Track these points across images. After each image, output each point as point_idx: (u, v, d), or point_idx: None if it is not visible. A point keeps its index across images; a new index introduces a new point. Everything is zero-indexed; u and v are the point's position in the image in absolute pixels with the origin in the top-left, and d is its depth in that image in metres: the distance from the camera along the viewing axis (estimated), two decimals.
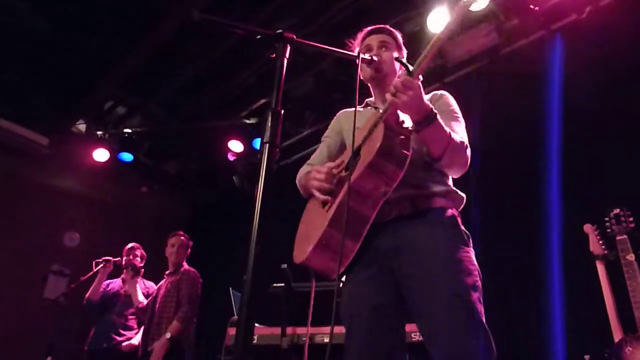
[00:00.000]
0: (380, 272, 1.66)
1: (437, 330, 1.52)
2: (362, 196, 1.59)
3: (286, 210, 2.20)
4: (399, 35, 2.01)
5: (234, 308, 3.42)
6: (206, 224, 6.54)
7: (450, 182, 1.82)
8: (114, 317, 4.29)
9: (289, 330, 2.96)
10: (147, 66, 4.80)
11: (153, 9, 4.29)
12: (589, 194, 3.21)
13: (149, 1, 4.33)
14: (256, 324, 2.90)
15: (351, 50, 1.94)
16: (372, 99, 2.02)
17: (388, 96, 1.55)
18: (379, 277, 1.65)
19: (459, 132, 1.75)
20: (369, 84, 2.00)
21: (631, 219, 2.71)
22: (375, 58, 1.82)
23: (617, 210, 2.75)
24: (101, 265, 4.40)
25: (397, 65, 1.91)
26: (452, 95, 1.92)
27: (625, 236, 2.67)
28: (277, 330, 2.97)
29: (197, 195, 7.18)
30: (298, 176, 2.00)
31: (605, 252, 2.76)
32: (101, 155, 5.69)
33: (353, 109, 1.73)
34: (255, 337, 2.97)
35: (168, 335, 3.71)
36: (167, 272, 4.21)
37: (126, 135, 5.79)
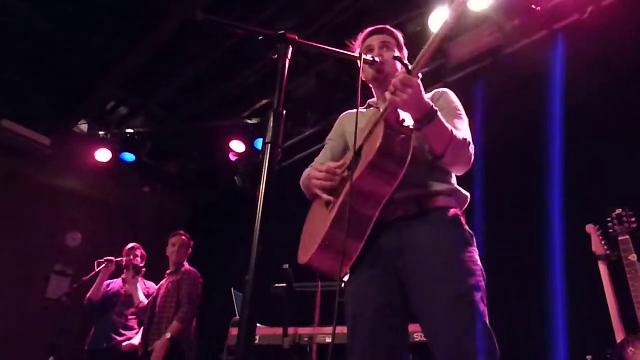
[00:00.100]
0: (384, 272, 1.65)
1: (439, 331, 1.52)
2: (364, 196, 1.59)
3: (288, 210, 2.21)
4: (400, 36, 2.00)
5: (236, 308, 3.42)
6: (206, 224, 6.53)
7: (454, 180, 1.80)
8: (114, 317, 4.29)
9: (290, 330, 2.97)
10: (147, 66, 4.80)
11: (153, 9, 4.29)
12: (591, 194, 3.20)
13: (149, 1, 4.32)
14: (258, 325, 2.90)
15: (352, 51, 1.93)
16: (374, 99, 2.01)
17: (388, 95, 1.54)
18: (382, 277, 1.65)
19: (462, 129, 1.73)
20: (371, 85, 1.99)
21: (633, 219, 2.70)
22: (377, 59, 1.82)
23: (619, 211, 2.75)
24: (103, 265, 4.40)
25: (398, 65, 1.91)
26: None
27: (627, 236, 2.67)
28: (279, 331, 2.97)
29: (197, 195, 7.17)
30: (302, 178, 1.99)
31: (608, 252, 2.76)
32: (103, 155, 5.70)
33: (355, 110, 1.72)
34: (257, 338, 2.97)
35: (168, 335, 3.70)
36: (168, 271, 4.20)
37: (128, 135, 5.79)
